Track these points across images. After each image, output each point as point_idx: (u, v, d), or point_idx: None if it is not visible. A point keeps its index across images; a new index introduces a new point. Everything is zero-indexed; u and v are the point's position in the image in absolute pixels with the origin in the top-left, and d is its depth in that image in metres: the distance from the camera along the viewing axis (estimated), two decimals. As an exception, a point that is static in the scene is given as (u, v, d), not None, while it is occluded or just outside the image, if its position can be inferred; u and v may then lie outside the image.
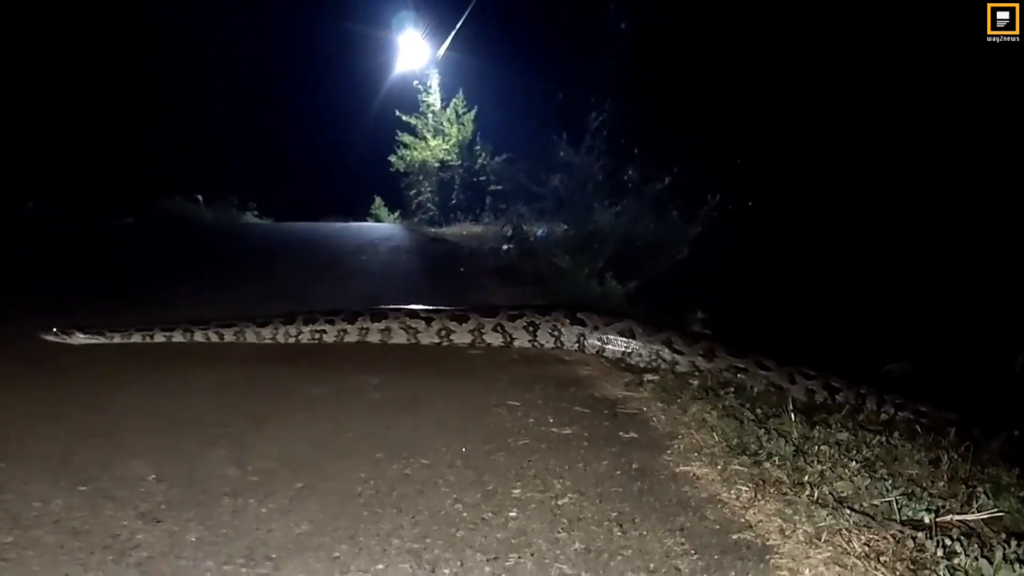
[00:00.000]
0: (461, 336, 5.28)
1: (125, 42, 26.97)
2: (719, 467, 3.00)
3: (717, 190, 9.02)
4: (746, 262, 9.78)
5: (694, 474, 2.97)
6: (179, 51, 30.71)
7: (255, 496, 2.65)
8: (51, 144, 22.91)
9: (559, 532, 2.42)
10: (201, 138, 30.88)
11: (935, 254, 9.95)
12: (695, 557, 2.28)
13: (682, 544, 2.37)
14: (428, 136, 24.95)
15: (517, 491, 2.75)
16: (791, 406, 3.72)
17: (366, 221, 29.36)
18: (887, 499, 2.64)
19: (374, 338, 5.31)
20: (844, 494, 2.73)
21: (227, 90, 34.54)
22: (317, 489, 2.74)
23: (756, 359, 4.96)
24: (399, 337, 5.29)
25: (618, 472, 2.97)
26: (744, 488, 2.79)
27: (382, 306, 5.61)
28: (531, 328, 5.24)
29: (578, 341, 5.17)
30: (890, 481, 2.84)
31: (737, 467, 2.98)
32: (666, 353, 4.98)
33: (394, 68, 27.53)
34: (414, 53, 26.33)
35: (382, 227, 25.57)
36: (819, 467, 2.98)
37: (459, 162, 24.59)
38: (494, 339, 5.27)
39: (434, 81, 25.27)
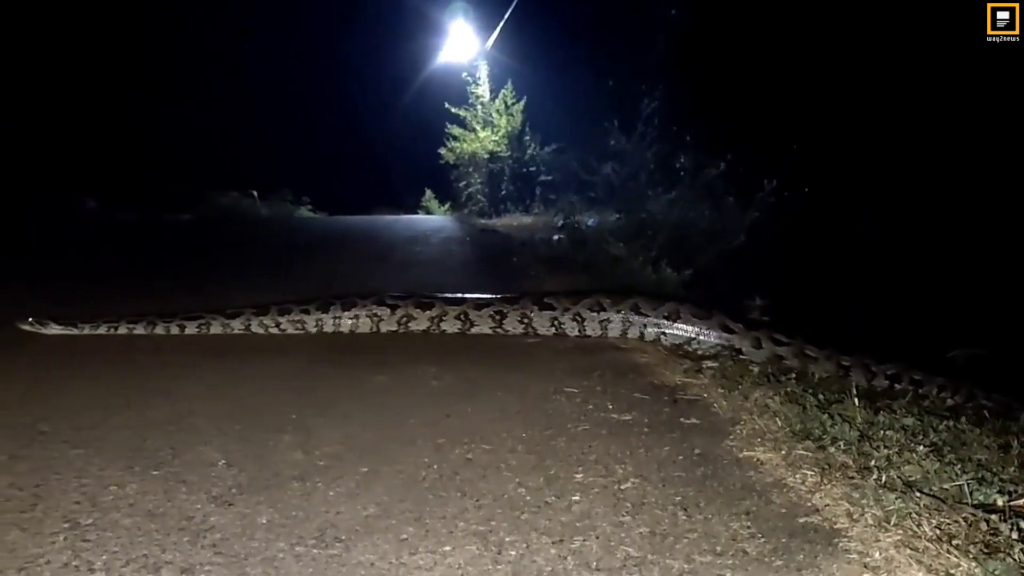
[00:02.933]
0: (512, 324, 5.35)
1: (180, 42, 27.52)
2: (783, 452, 2.97)
3: (773, 175, 8.89)
4: (804, 248, 9.62)
5: (758, 459, 2.94)
6: (233, 50, 31.23)
7: (322, 480, 2.70)
8: (110, 143, 23.51)
9: (623, 516, 2.43)
10: (255, 134, 31.41)
11: (1002, 240, 9.71)
12: (762, 540, 2.27)
13: (748, 528, 2.35)
14: (477, 128, 25.03)
15: (579, 476, 2.76)
16: (854, 391, 3.66)
17: (417, 214, 29.61)
18: (957, 483, 2.59)
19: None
20: (912, 478, 2.68)
21: (279, 86, 35.08)
22: (382, 473, 2.78)
23: (802, 345, 4.92)
24: (452, 326, 5.34)
25: (680, 457, 2.96)
26: (810, 473, 2.76)
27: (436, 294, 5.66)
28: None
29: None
30: (959, 465, 2.79)
31: (801, 452, 2.94)
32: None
33: (443, 61, 27.64)
34: (463, 45, 26.43)
35: (433, 219, 25.75)
36: (885, 452, 2.92)
37: (508, 153, 24.63)
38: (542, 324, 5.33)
39: (483, 72, 25.35)
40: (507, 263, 11.13)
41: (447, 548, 2.21)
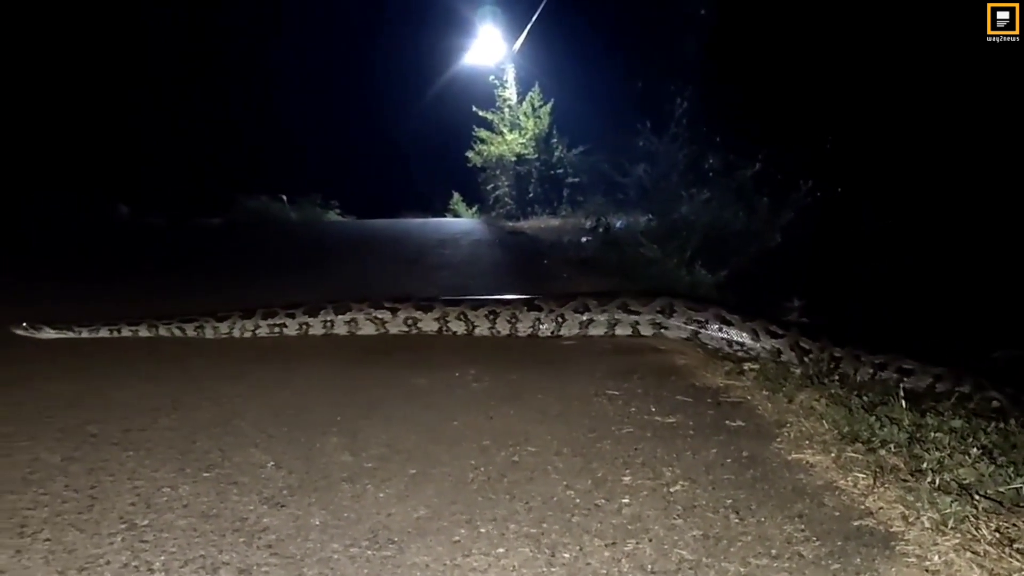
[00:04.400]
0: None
1: (210, 48, 27.80)
2: (832, 455, 2.95)
3: (806, 175, 8.82)
4: (839, 247, 9.53)
5: (807, 462, 2.92)
6: (263, 55, 31.52)
7: (371, 482, 2.72)
8: (142, 149, 23.81)
9: (674, 518, 2.42)
10: (284, 138, 31.65)
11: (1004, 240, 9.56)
12: (817, 543, 2.25)
13: (802, 531, 2.33)
14: (505, 130, 25.09)
15: (627, 478, 2.75)
16: (901, 393, 3.62)
17: (445, 216, 29.71)
18: (1014, 486, 2.55)
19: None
20: (967, 481, 2.64)
21: (307, 91, 35.32)
22: (430, 475, 2.79)
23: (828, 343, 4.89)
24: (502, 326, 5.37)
25: (728, 460, 2.94)
26: (861, 475, 2.73)
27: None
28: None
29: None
30: (1012, 468, 2.75)
31: (851, 454, 2.92)
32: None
33: (470, 63, 27.72)
34: (491, 48, 26.49)
35: (461, 222, 25.83)
36: (937, 454, 2.89)
37: (536, 155, 24.66)
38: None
39: (510, 75, 25.41)
40: (537, 265, 11.14)
41: (500, 550, 2.21)
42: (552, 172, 24.33)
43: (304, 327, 5.40)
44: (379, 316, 5.41)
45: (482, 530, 2.34)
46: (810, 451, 3.02)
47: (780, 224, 8.72)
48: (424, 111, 33.58)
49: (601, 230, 12.66)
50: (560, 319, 5.29)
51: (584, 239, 13.20)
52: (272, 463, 2.89)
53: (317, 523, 2.38)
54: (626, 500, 2.56)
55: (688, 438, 3.21)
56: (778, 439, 3.19)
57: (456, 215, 30.26)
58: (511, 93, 25.31)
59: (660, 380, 4.19)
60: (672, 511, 2.47)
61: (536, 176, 24.62)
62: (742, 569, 2.10)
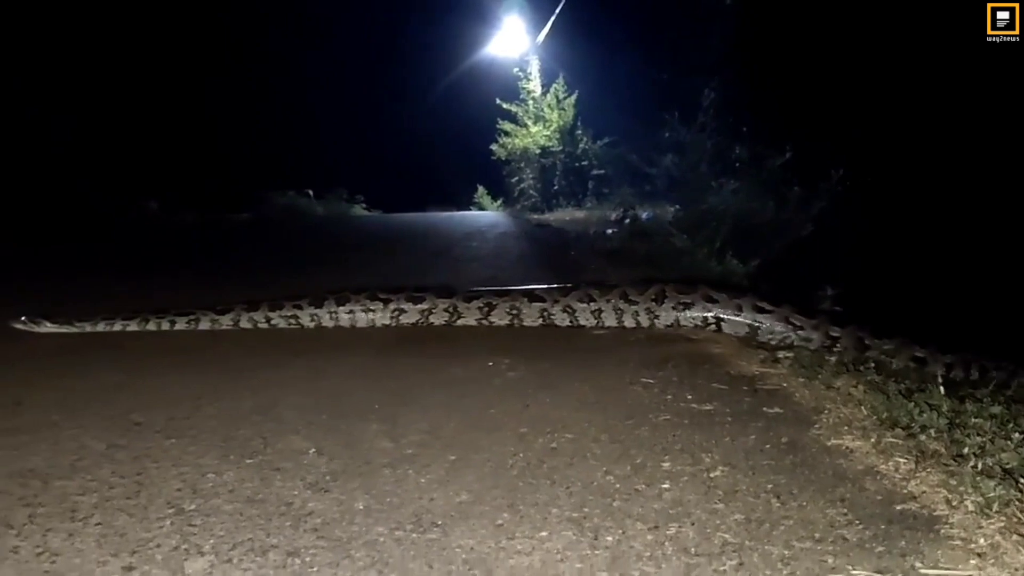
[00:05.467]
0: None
1: (238, 45, 28.01)
2: (872, 440, 2.93)
3: (839, 164, 8.74)
4: (871, 236, 9.44)
5: (847, 447, 2.91)
6: (289, 51, 31.70)
7: (412, 467, 2.75)
8: (170, 145, 24.05)
9: (716, 503, 2.42)
10: (310, 134, 31.85)
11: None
12: (861, 527, 2.24)
13: (845, 514, 2.33)
14: (529, 123, 25.05)
15: (666, 464, 2.76)
16: (939, 380, 3.60)
17: (470, 210, 29.74)
18: (1058, 471, 2.53)
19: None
20: (1010, 465, 2.62)
21: (332, 87, 35.49)
22: (470, 461, 2.81)
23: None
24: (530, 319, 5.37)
25: (767, 446, 2.94)
26: (902, 460, 2.72)
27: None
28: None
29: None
30: (1054, 453, 2.73)
31: (891, 440, 2.90)
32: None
33: (494, 54, 27.70)
34: (515, 40, 26.45)
35: (486, 215, 25.85)
36: (978, 439, 2.87)
37: (560, 148, 24.61)
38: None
39: (534, 67, 25.36)
40: (564, 257, 11.14)
41: (543, 533, 2.23)
42: (577, 164, 24.25)
43: (334, 317, 5.44)
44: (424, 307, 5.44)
45: (524, 514, 2.36)
46: (849, 437, 3.01)
47: (812, 213, 8.65)
48: (448, 105, 33.66)
49: (628, 221, 12.64)
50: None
51: (610, 231, 13.17)
52: (314, 450, 2.93)
53: (361, 507, 2.41)
54: (666, 485, 2.57)
55: (726, 425, 3.21)
56: (816, 425, 3.18)
57: (481, 208, 30.27)
58: (535, 85, 25.25)
59: (694, 368, 4.19)
60: (713, 496, 2.48)
61: (561, 168, 24.56)
62: (786, 552, 2.10)
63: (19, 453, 2.92)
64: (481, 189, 31.22)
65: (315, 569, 2.03)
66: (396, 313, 5.43)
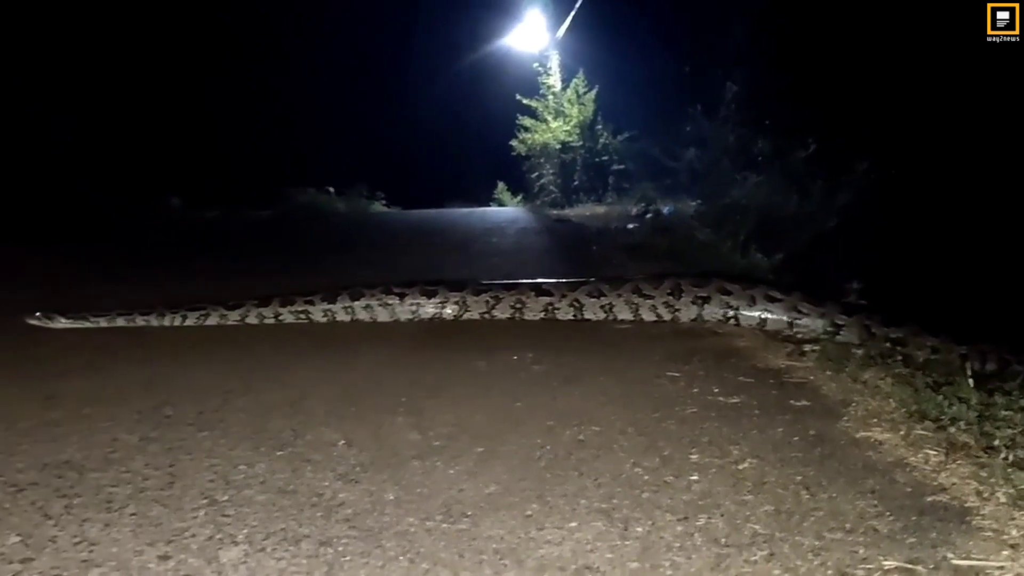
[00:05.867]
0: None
1: (258, 43, 28.16)
2: (901, 432, 2.92)
3: (863, 157, 8.68)
4: (896, 229, 9.35)
5: (876, 439, 2.90)
6: (309, 49, 31.83)
7: (441, 459, 2.77)
8: (192, 143, 24.22)
9: (745, 495, 2.42)
10: (329, 131, 31.95)
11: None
12: (891, 518, 2.24)
13: (875, 506, 2.32)
14: (549, 118, 24.99)
15: (695, 456, 2.76)
16: (969, 373, 3.57)
17: (489, 206, 29.73)
18: (1091, 464, 2.51)
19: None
20: (1041, 457, 2.61)
21: (352, 84, 35.60)
22: (498, 453, 2.83)
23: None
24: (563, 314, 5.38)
25: (795, 438, 2.93)
26: (932, 452, 2.71)
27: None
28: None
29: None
30: (1086, 445, 2.71)
31: (921, 432, 2.90)
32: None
33: (514, 47, 27.66)
34: (533, 35, 26.39)
35: (506, 211, 25.85)
36: (1008, 432, 2.85)
37: (580, 143, 24.51)
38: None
39: (554, 62, 25.28)
40: (586, 252, 11.13)
41: (572, 524, 2.24)
42: (597, 159, 24.14)
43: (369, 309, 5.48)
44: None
45: (553, 505, 2.37)
46: (878, 429, 3.00)
47: (836, 206, 8.59)
48: (468, 101, 33.69)
49: (649, 216, 12.60)
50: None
51: (630, 226, 13.14)
52: (343, 441, 2.96)
53: (391, 498, 2.44)
54: (695, 477, 2.57)
55: (753, 417, 3.20)
56: (844, 418, 3.17)
57: (500, 204, 30.26)
58: (555, 80, 25.18)
59: (720, 362, 4.18)
60: (742, 487, 2.48)
61: (581, 163, 24.47)
62: (816, 543, 2.10)
63: (54, 445, 2.97)
64: (501, 185, 31.21)
65: (347, 558, 2.05)
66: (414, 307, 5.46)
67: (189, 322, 5.36)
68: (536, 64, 25.51)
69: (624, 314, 5.28)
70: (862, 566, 1.97)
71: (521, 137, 26.04)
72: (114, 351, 4.64)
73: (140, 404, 3.49)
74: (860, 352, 4.18)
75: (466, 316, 5.45)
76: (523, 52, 27.13)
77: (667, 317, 5.24)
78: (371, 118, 36.18)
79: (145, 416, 3.33)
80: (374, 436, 3.02)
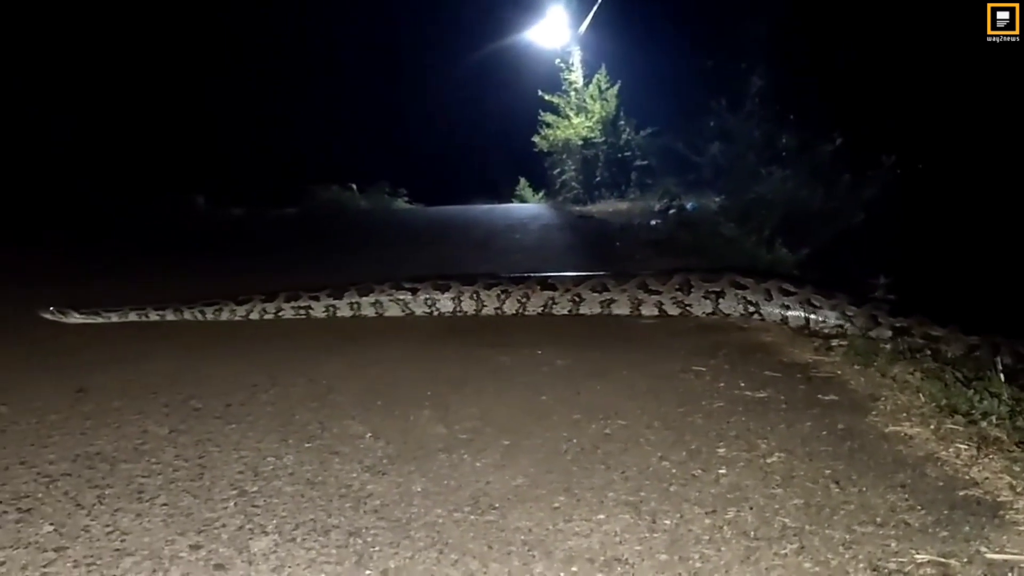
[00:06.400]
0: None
1: (281, 43, 28.31)
2: (932, 427, 2.89)
3: (890, 152, 8.60)
4: (924, 224, 9.26)
5: (905, 434, 2.87)
6: (330, 48, 31.94)
7: (467, 452, 2.77)
8: (217, 142, 24.39)
9: (774, 488, 2.41)
10: (351, 128, 32.06)
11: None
12: (923, 512, 2.22)
13: (906, 500, 2.30)
14: (571, 114, 24.89)
15: (722, 450, 2.75)
16: (999, 367, 3.53)
17: (511, 202, 29.66)
18: (1125, 458, 2.47)
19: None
20: (1075, 452, 2.58)
21: (372, 81, 35.71)
22: (524, 446, 2.83)
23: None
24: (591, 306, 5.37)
25: (824, 432, 2.91)
26: (963, 447, 2.68)
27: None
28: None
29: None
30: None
31: (951, 426, 2.87)
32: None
33: (535, 42, 27.58)
34: (556, 31, 26.31)
35: (528, 207, 25.83)
36: (1042, 426, 2.82)
37: (603, 139, 24.39)
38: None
39: (576, 58, 25.18)
40: (609, 247, 11.10)
41: (600, 516, 2.24)
42: (620, 155, 24.04)
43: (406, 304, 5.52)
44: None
45: (580, 497, 2.37)
46: (907, 423, 2.97)
47: (863, 201, 8.51)
48: (489, 97, 33.62)
49: (672, 212, 12.55)
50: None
51: (653, 222, 13.09)
52: (370, 434, 2.97)
53: (419, 490, 2.44)
54: (723, 471, 2.56)
55: (781, 412, 3.18)
56: (873, 412, 3.14)
57: (522, 201, 30.19)
58: (577, 76, 25.09)
59: (746, 357, 4.16)
60: (770, 481, 2.46)
61: (603, 159, 24.35)
62: (847, 536, 2.08)
63: (85, 437, 3.00)
64: (523, 181, 31.16)
65: (376, 549, 2.06)
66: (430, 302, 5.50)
67: (209, 316, 5.44)
68: (558, 60, 25.44)
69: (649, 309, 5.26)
70: (894, 560, 1.95)
71: (543, 133, 25.96)
72: (139, 345, 4.69)
73: (168, 397, 3.53)
74: (888, 347, 4.15)
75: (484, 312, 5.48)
76: (545, 48, 27.06)
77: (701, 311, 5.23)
78: (393, 116, 36.24)
79: (173, 409, 3.36)
80: (400, 429, 3.04)
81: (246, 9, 27.48)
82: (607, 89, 24.21)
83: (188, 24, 24.23)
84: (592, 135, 24.44)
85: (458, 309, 5.47)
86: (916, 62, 10.92)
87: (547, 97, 25.23)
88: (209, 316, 5.44)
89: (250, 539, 2.13)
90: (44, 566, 2.00)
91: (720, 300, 5.16)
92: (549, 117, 25.43)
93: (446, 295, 5.47)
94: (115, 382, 3.81)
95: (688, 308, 5.20)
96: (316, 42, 31.97)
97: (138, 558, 2.03)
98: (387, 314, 5.51)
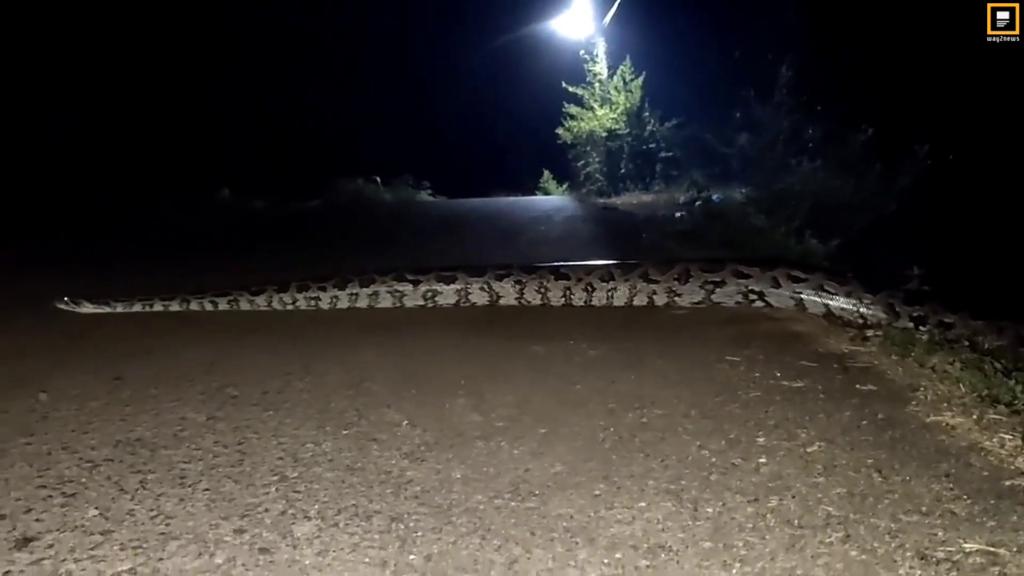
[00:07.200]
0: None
1: (305, 37, 28.37)
2: (974, 416, 2.86)
3: (923, 141, 8.49)
4: (956, 214, 9.14)
5: (947, 423, 2.84)
6: (354, 41, 31.99)
7: (505, 439, 2.78)
8: (242, 135, 24.52)
9: (816, 477, 2.39)
10: (375, 121, 32.12)
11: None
12: (969, 502, 2.19)
13: (951, 489, 2.28)
14: (595, 106, 24.78)
15: (761, 439, 2.73)
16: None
17: (535, 195, 29.66)
18: None
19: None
20: (1121, 442, 2.54)
21: (395, 72, 35.75)
22: (561, 435, 2.83)
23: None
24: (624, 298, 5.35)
25: (864, 422, 2.88)
26: (1007, 437, 2.65)
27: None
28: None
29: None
30: None
31: (994, 416, 2.83)
32: None
33: (559, 33, 27.50)
34: (580, 22, 26.22)
35: (552, 199, 25.78)
36: (1087, 417, 2.78)
37: (627, 130, 24.27)
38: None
39: (600, 50, 25.06)
40: (635, 239, 11.05)
41: (642, 504, 2.23)
42: (644, 147, 23.92)
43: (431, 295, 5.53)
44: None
45: (620, 485, 2.36)
46: (949, 413, 2.93)
47: (895, 191, 8.41)
48: (513, 89, 33.56)
49: (699, 203, 12.47)
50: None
51: (679, 214, 13.02)
52: (406, 422, 2.98)
53: (458, 476, 2.45)
54: (763, 459, 2.54)
55: (819, 401, 3.15)
56: (913, 402, 3.11)
57: (546, 193, 30.16)
58: (601, 67, 24.97)
59: (781, 347, 4.12)
60: (812, 470, 2.44)
61: (627, 151, 24.24)
62: (892, 525, 2.06)
63: (125, 424, 3.03)
64: (546, 174, 31.12)
65: (419, 534, 2.07)
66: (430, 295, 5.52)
67: (222, 307, 5.50)
68: (582, 51, 25.34)
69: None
70: (942, 548, 1.93)
71: (567, 125, 25.89)
72: (171, 335, 4.73)
73: (204, 385, 3.56)
74: (925, 337, 4.10)
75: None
76: (569, 39, 26.96)
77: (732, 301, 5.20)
78: (418, 108, 36.29)
79: (210, 396, 3.39)
80: (436, 417, 3.04)
81: (276, 5, 27.60)
82: (631, 80, 24.07)
83: (189, 23, 24.24)
84: (616, 127, 24.32)
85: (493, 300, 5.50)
86: (944, 52, 10.79)
87: (571, 89, 25.14)
88: (222, 307, 5.50)
89: (293, 524, 2.14)
90: (91, 549, 2.02)
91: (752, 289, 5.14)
92: (573, 109, 25.36)
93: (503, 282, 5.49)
94: (150, 370, 3.84)
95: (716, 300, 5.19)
96: (339, 36, 32.00)
97: (183, 541, 2.05)
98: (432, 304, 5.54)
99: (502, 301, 5.47)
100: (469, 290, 5.46)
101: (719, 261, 5.41)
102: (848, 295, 4.78)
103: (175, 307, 5.47)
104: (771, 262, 5.31)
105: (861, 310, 4.69)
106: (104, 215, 16.23)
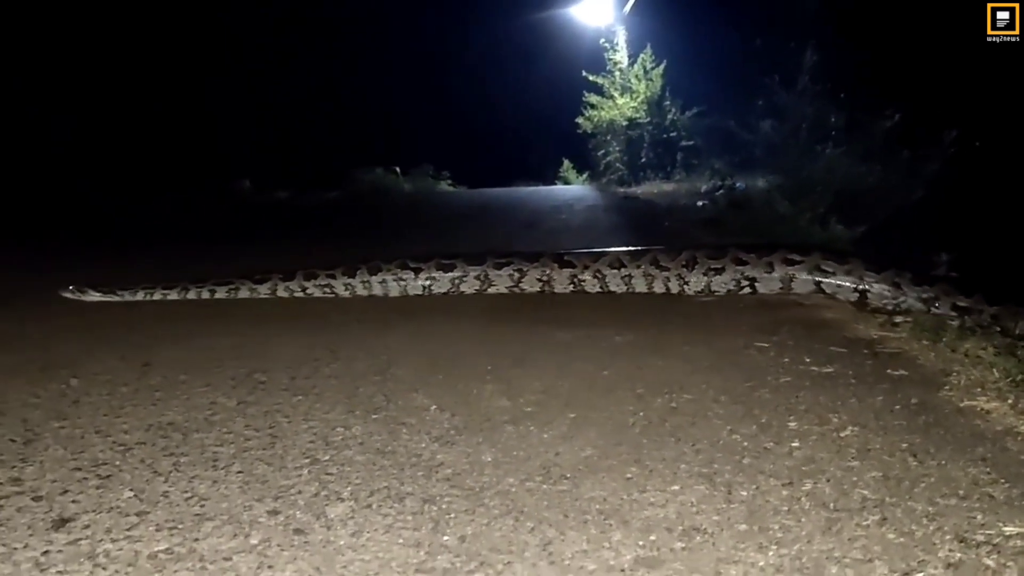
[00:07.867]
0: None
1: (322, 29, 28.39)
2: (1009, 401, 2.83)
3: (952, 126, 8.38)
4: (983, 200, 9.03)
5: (982, 408, 2.81)
6: (370, 28, 31.98)
7: (534, 424, 2.77)
8: (262, 127, 24.59)
9: (850, 461, 2.37)
10: (394, 111, 32.14)
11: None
12: (1007, 485, 2.17)
13: (988, 473, 2.25)
14: (615, 95, 24.62)
15: (793, 424, 2.71)
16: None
17: (555, 184, 29.57)
18: None
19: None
20: None
21: (414, 62, 35.74)
22: (590, 419, 2.82)
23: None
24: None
25: (897, 407, 2.86)
26: (1044, 422, 2.61)
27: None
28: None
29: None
30: None
31: (1030, 401, 2.80)
32: None
33: (578, 19, 27.36)
34: (599, 11, 26.07)
35: (572, 189, 25.72)
36: (1125, 402, 2.74)
37: (648, 119, 24.09)
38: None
39: (621, 38, 24.89)
40: (657, 228, 11.01)
41: (675, 487, 2.22)
42: (665, 136, 23.75)
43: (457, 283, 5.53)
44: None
45: (653, 469, 2.36)
46: (983, 398, 2.90)
47: (923, 177, 8.32)
48: (533, 79, 33.44)
49: (721, 192, 12.40)
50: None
51: (700, 203, 12.95)
52: (435, 406, 2.99)
53: (489, 460, 2.45)
54: (796, 444, 2.52)
55: (850, 386, 3.13)
56: (946, 387, 3.07)
57: (566, 182, 30.06)
58: (622, 56, 24.80)
59: (810, 333, 4.09)
60: (846, 454, 2.42)
61: (648, 140, 24.08)
62: (930, 508, 2.04)
63: (156, 408, 3.06)
64: (566, 163, 31.02)
65: (452, 516, 2.07)
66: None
67: (220, 295, 5.51)
68: (602, 40, 25.19)
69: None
70: (981, 532, 1.91)
71: (587, 114, 25.74)
72: (197, 322, 4.76)
73: (233, 371, 3.57)
74: (955, 323, 4.06)
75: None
76: (588, 27, 26.82)
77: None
78: (436, 98, 36.29)
79: (239, 382, 3.40)
80: (464, 402, 3.04)
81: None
82: (652, 69, 23.90)
83: (189, 21, 24.24)
84: (637, 116, 24.13)
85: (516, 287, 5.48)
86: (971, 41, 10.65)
87: (591, 78, 24.99)
88: (220, 295, 5.51)
89: (326, 505, 2.15)
90: (128, 529, 2.04)
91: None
92: (593, 98, 25.21)
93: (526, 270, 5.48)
94: (179, 356, 3.87)
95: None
96: (359, 29, 32.03)
97: (218, 523, 2.06)
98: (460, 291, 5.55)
99: (525, 288, 5.46)
100: (491, 276, 5.45)
101: (757, 245, 5.37)
102: (879, 281, 4.74)
103: (191, 295, 5.49)
104: (805, 248, 5.28)
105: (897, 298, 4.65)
106: (104, 215, 16.30)
